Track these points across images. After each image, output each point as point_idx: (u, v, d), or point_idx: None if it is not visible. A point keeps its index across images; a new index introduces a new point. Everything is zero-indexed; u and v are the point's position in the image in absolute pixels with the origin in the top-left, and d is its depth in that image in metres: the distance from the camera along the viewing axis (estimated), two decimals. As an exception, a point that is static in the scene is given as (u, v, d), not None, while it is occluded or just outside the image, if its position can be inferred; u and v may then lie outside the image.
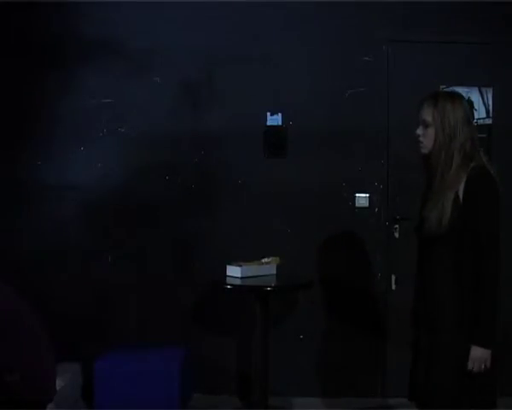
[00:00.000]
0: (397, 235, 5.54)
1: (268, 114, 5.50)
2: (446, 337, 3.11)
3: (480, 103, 5.46)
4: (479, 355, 3.03)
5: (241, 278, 4.67)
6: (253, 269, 4.78)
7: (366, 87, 5.53)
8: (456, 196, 3.08)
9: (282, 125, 5.51)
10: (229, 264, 4.81)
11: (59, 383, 3.78)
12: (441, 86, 5.01)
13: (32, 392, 3.15)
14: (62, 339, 4.79)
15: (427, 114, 3.19)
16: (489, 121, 5.54)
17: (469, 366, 3.04)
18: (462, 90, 3.25)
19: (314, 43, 5.53)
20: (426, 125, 3.20)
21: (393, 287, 5.54)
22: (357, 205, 5.55)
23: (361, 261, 5.57)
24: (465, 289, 3.06)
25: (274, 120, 5.50)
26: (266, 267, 4.87)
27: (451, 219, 3.05)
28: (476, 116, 5.41)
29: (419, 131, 3.24)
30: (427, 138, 3.21)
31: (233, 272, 4.74)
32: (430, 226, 3.11)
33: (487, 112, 5.54)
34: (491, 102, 5.54)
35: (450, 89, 4.43)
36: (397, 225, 5.53)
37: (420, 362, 3.24)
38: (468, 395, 3.07)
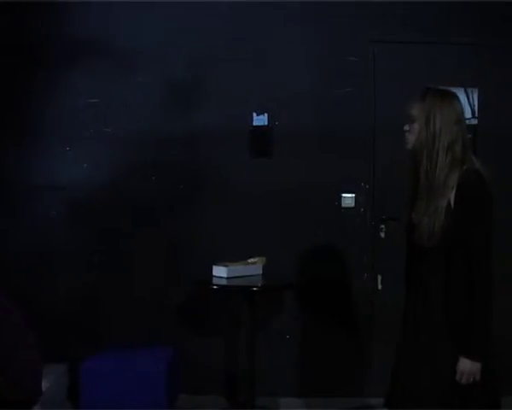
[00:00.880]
0: (383, 235, 5.56)
1: (254, 114, 5.50)
2: (437, 347, 3.03)
3: (466, 104, 5.48)
4: (467, 368, 2.93)
5: (228, 278, 4.68)
6: (239, 269, 4.79)
7: (352, 87, 5.54)
8: (448, 202, 2.98)
9: (268, 126, 5.51)
10: (216, 264, 4.82)
11: (45, 385, 3.77)
12: (428, 86, 5.03)
13: (18, 393, 3.14)
14: (49, 340, 4.78)
15: (414, 109, 3.10)
16: (474, 122, 5.56)
17: (457, 377, 2.95)
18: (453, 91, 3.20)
19: (300, 43, 5.53)
20: (412, 120, 3.11)
21: (379, 287, 5.55)
22: (343, 205, 5.56)
23: (347, 261, 5.57)
24: (457, 300, 2.97)
25: (260, 120, 5.50)
26: (252, 267, 4.87)
27: (444, 227, 2.96)
28: (462, 117, 5.43)
29: (406, 126, 3.15)
30: (411, 133, 3.12)
31: (219, 272, 4.74)
32: (422, 234, 3.01)
33: (473, 112, 5.57)
34: (476, 103, 5.57)
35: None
36: (383, 226, 5.55)
37: (403, 371, 3.17)
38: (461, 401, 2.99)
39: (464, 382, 2.95)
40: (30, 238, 5.50)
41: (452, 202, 2.99)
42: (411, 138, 3.13)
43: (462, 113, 3.16)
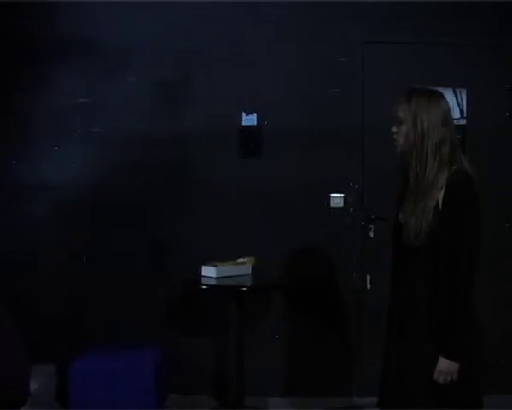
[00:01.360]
0: (372, 235, 5.57)
1: (243, 114, 5.49)
2: (419, 347, 3.04)
3: (455, 104, 5.50)
4: (445, 367, 2.94)
5: (217, 278, 4.67)
6: (228, 269, 4.78)
7: (341, 88, 5.55)
8: (436, 202, 2.97)
9: (257, 126, 5.51)
10: (205, 264, 4.81)
11: (33, 385, 3.75)
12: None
13: (5, 393, 3.13)
14: (37, 340, 4.78)
15: (401, 110, 3.08)
16: (463, 122, 5.58)
17: (435, 376, 2.96)
18: (439, 90, 3.20)
19: (289, 43, 5.53)
20: (399, 122, 3.10)
21: (368, 287, 5.57)
22: (332, 205, 5.56)
23: (336, 261, 5.58)
24: (441, 300, 2.96)
25: (249, 120, 5.50)
26: (241, 267, 4.87)
27: (431, 226, 2.96)
28: (450, 117, 5.44)
29: (394, 128, 3.14)
30: (400, 135, 3.10)
31: (208, 272, 4.73)
32: (409, 234, 3.01)
33: (461, 113, 5.58)
34: (465, 103, 5.59)
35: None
36: (372, 225, 5.56)
37: (391, 370, 3.19)
38: (444, 402, 3.00)
39: (442, 381, 2.96)
40: (18, 237, 5.47)
41: (440, 203, 2.98)
42: (400, 140, 3.12)
43: (450, 112, 3.15)
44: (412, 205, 3.04)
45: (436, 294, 3.00)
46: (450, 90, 5.46)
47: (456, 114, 5.50)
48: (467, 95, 5.58)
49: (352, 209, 5.57)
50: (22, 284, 5.39)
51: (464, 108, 5.58)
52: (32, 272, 5.46)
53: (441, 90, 3.22)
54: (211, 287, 4.66)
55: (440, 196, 2.99)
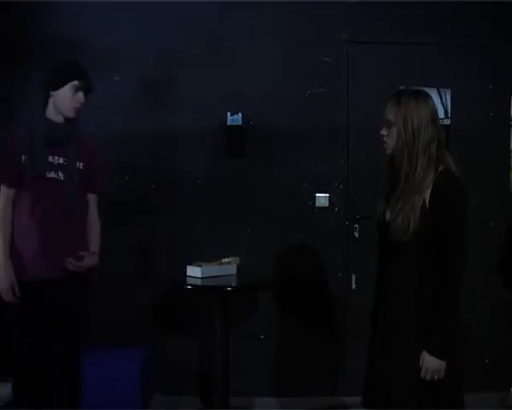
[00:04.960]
0: (357, 235, 5.58)
1: (228, 113, 5.48)
2: (406, 345, 3.06)
3: (439, 104, 5.52)
4: (431, 365, 2.97)
5: (202, 278, 4.66)
6: (213, 269, 4.77)
7: (326, 87, 5.56)
8: (423, 201, 3.01)
9: (242, 125, 5.50)
10: (190, 264, 4.80)
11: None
12: (400, 87, 5.05)
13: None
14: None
15: (390, 113, 3.11)
16: (447, 122, 5.60)
17: (422, 374, 2.99)
18: (425, 90, 3.22)
19: (274, 43, 5.53)
20: (389, 125, 3.12)
21: (353, 286, 5.58)
22: (317, 205, 5.57)
23: (321, 261, 5.59)
24: (426, 298, 3.00)
25: (234, 119, 5.49)
26: (226, 267, 4.85)
27: (418, 225, 2.99)
28: (435, 117, 5.47)
29: (383, 131, 3.16)
30: (390, 138, 3.13)
31: (193, 272, 4.72)
32: (396, 231, 3.04)
33: (445, 113, 5.60)
34: (449, 103, 5.61)
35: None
36: (357, 225, 5.57)
37: (375, 369, 3.21)
38: (430, 399, 3.03)
39: (428, 379, 2.99)
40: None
41: (427, 201, 3.01)
42: (390, 143, 3.15)
43: (436, 112, 3.20)
44: (401, 202, 3.06)
45: (422, 291, 3.02)
46: (435, 90, 5.48)
47: (440, 114, 5.51)
48: (451, 95, 5.61)
49: (337, 209, 5.58)
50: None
51: (449, 108, 5.60)
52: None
53: (426, 90, 3.24)
54: (196, 287, 4.64)
55: (427, 195, 3.02)
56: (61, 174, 3.82)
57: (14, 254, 3.76)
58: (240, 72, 5.52)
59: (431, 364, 2.98)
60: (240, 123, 5.49)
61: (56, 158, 3.81)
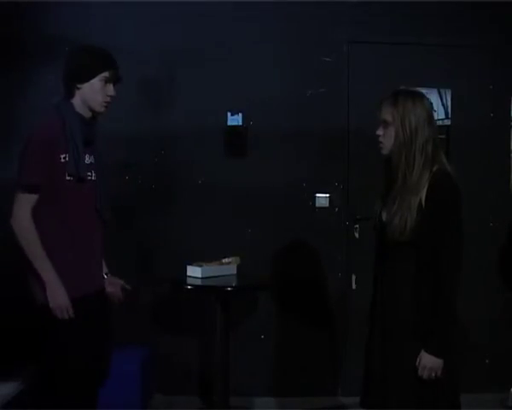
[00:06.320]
0: (357, 235, 5.58)
1: (228, 113, 5.49)
2: (404, 345, 3.06)
3: (439, 104, 5.52)
4: (429, 363, 2.97)
5: (202, 278, 4.66)
6: (213, 269, 4.78)
7: (326, 87, 5.56)
8: (420, 200, 3.01)
9: (242, 125, 5.50)
10: (190, 264, 4.80)
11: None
12: (401, 87, 5.06)
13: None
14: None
15: (387, 114, 3.12)
16: (448, 122, 5.60)
17: (419, 372, 2.99)
18: (420, 91, 3.23)
19: (274, 43, 5.53)
20: (386, 125, 3.12)
21: (354, 287, 5.58)
22: (317, 205, 5.57)
23: (321, 261, 5.59)
24: (424, 297, 3.00)
25: (234, 119, 5.49)
26: (227, 267, 4.86)
27: (415, 225, 2.99)
28: (435, 117, 5.45)
29: (379, 131, 3.16)
30: (386, 138, 3.13)
31: (193, 272, 4.73)
32: (393, 231, 3.04)
33: (446, 113, 5.60)
34: (449, 104, 5.61)
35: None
36: (357, 225, 5.57)
37: (373, 369, 3.21)
38: (428, 400, 3.03)
39: (426, 377, 2.99)
40: (1, 237, 5.44)
41: (423, 201, 3.02)
42: (387, 143, 3.15)
43: (432, 112, 3.22)
44: (398, 203, 3.06)
45: (420, 291, 3.03)
46: (435, 90, 5.49)
47: (440, 114, 5.53)
48: (451, 95, 5.60)
49: (337, 209, 5.58)
50: (6, 283, 5.36)
51: (449, 109, 5.60)
52: (13, 272, 5.42)
53: (426, 90, 3.28)
54: (196, 287, 4.65)
55: (423, 195, 3.03)
56: (94, 174, 3.53)
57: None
58: (240, 72, 5.51)
59: (428, 362, 2.98)
60: (240, 123, 5.50)
61: (88, 156, 3.49)
